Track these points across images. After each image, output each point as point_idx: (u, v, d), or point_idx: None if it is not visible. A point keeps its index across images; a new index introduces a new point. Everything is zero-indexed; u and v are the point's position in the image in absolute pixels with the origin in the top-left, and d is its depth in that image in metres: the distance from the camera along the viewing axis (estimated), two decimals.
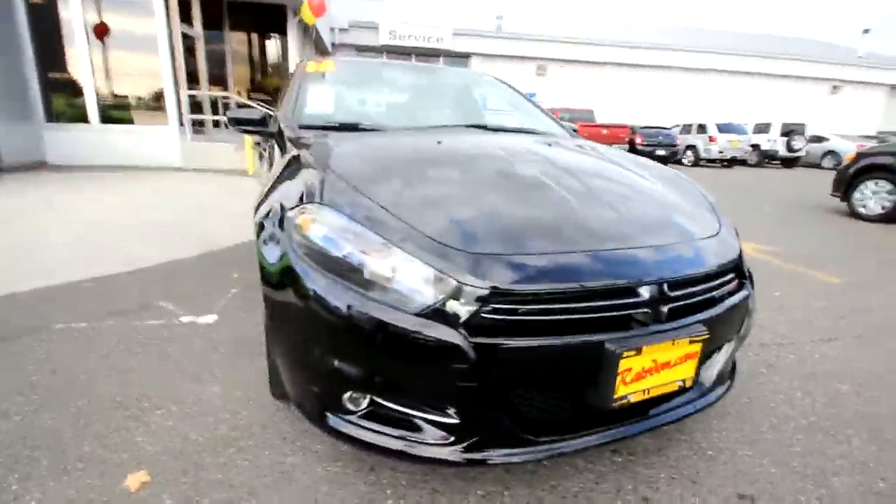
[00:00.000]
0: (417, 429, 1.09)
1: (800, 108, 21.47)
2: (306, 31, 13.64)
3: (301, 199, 1.30)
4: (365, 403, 1.12)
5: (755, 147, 16.69)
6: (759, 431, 1.58)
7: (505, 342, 0.99)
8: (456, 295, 1.00)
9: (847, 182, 6.27)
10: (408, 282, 1.03)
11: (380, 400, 1.09)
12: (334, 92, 2.25)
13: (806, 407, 1.73)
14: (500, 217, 1.18)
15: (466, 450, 1.06)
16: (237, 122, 2.10)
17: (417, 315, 1.01)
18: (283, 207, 1.33)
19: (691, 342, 1.12)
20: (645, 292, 1.09)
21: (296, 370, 1.23)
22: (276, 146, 2.05)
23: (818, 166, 16.88)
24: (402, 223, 1.12)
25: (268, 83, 17.43)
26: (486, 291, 1.00)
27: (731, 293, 1.32)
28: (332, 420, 1.14)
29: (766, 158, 16.81)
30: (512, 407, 1.07)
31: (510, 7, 21.27)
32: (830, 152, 16.80)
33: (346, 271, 1.09)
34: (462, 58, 19.69)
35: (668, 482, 1.34)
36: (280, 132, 1.99)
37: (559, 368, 1.04)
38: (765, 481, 1.35)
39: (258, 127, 2.08)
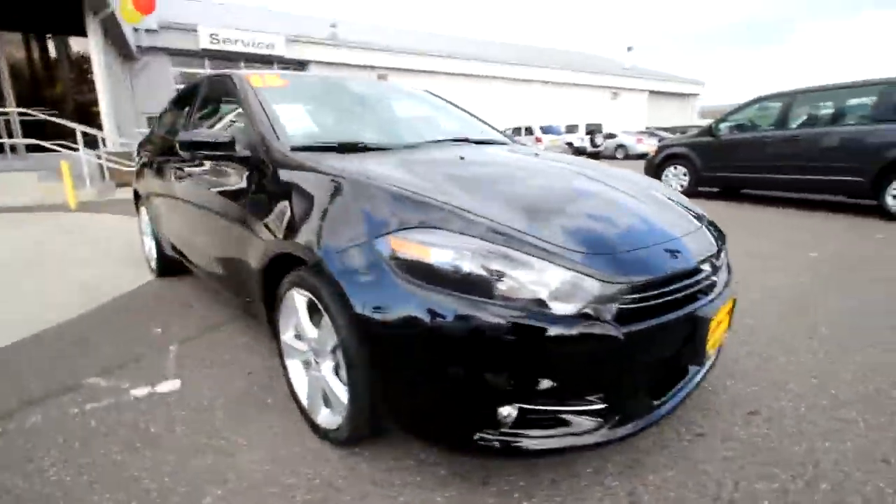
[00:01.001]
0: (565, 423, 1.18)
1: (592, 111, 26.18)
2: (107, 31, 11.49)
3: (384, 225, 1.24)
4: (515, 414, 1.15)
5: (570, 144, 19.97)
6: (727, 365, 2.04)
7: (642, 325, 1.14)
8: (602, 292, 1.12)
9: (655, 168, 8.01)
10: (556, 288, 1.11)
11: (530, 406, 1.14)
12: (304, 110, 2.07)
13: (742, 336, 2.29)
14: (595, 219, 1.32)
15: (614, 427, 1.19)
16: (196, 147, 1.80)
17: (572, 317, 1.10)
18: (365, 236, 1.25)
19: (731, 300, 1.44)
20: (707, 267, 1.36)
21: (432, 400, 1.19)
22: (246, 173, 1.82)
23: (613, 157, 20.91)
24: (523, 234, 1.18)
25: (56, 94, 14.17)
26: (625, 285, 1.14)
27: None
28: (484, 438, 1.15)
29: (578, 154, 20.22)
30: (641, 380, 1.24)
31: (344, 15, 21.10)
32: (620, 145, 20.95)
33: (485, 289, 1.11)
34: (298, 66, 18.86)
35: (703, 416, 1.67)
36: (258, 157, 1.77)
37: (674, 338, 1.24)
38: (752, 398, 1.78)
39: (225, 151, 1.81)
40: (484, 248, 1.14)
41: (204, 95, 2.53)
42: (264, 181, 1.70)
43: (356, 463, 1.46)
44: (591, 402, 1.17)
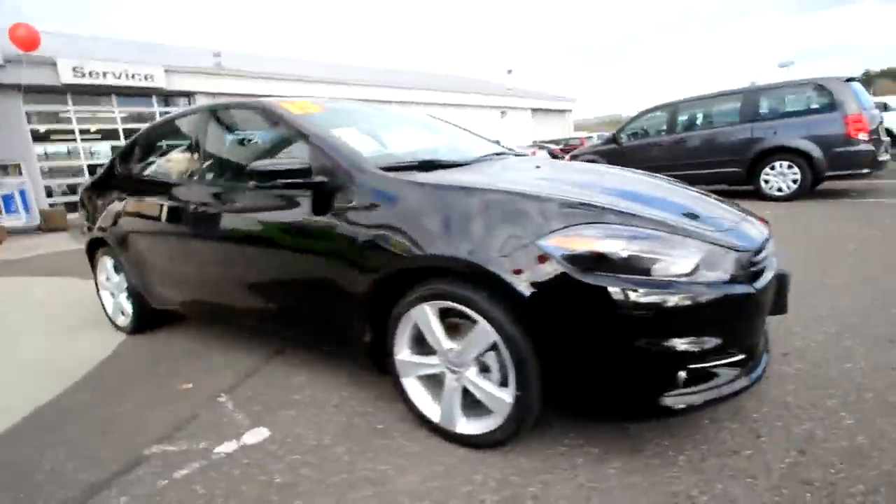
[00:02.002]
0: (716, 376, 1.39)
1: (485, 129, 27.94)
2: None
3: (545, 226, 1.36)
4: (685, 375, 1.33)
5: None
6: None
7: (761, 283, 1.41)
8: (738, 260, 1.37)
9: None
10: (709, 260, 1.32)
11: (697, 365, 1.34)
12: (361, 133, 2.07)
13: None
14: (693, 207, 1.58)
15: (748, 374, 1.43)
16: (272, 176, 1.72)
17: (726, 283, 1.33)
18: (528, 238, 1.36)
19: None
20: (771, 239, 1.70)
21: (617, 376, 1.32)
22: (326, 199, 1.78)
23: None
24: (663, 220, 1.39)
25: None
26: (748, 252, 1.40)
27: None
28: (668, 401, 1.32)
29: None
30: (760, 330, 1.50)
31: (225, 45, 20.05)
32: None
33: (648, 268, 1.29)
34: (181, 97, 17.44)
35: None
36: (340, 181, 1.76)
37: (772, 294, 1.53)
38: (777, 343, 2.18)
39: (304, 178, 1.76)
40: (647, 234, 1.33)
41: (214, 128, 2.37)
42: (362, 204, 1.69)
43: (515, 459, 1.52)
44: (734, 354, 1.40)
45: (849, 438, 1.50)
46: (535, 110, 32.34)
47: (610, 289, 1.27)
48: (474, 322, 1.48)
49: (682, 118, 7.48)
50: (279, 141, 2.12)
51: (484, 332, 1.44)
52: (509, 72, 30.44)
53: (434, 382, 1.71)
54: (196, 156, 2.36)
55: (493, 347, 1.45)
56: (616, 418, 1.53)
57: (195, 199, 2.26)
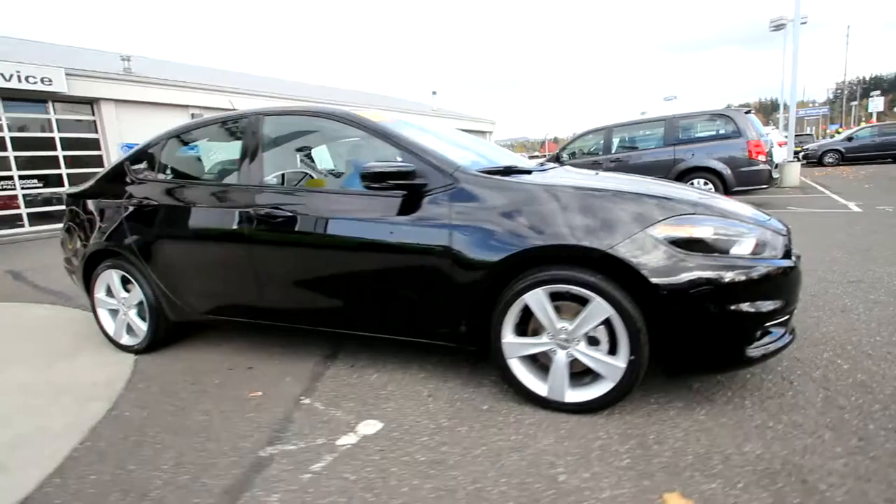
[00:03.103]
0: (770, 333, 1.78)
1: None
2: None
3: (651, 218, 1.68)
4: (760, 332, 1.71)
5: None
6: None
7: (794, 258, 1.84)
8: (784, 243, 1.79)
9: None
10: (770, 243, 1.73)
11: (769, 323, 1.71)
12: (437, 139, 2.24)
13: None
14: (743, 205, 1.99)
15: (790, 333, 1.84)
16: (382, 177, 1.85)
17: (782, 258, 1.73)
18: (640, 227, 1.67)
19: None
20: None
21: (716, 335, 1.66)
22: (422, 199, 1.95)
23: None
24: (729, 213, 1.77)
25: None
26: (785, 237, 1.84)
27: None
28: (751, 352, 1.68)
29: None
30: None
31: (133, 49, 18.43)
32: None
33: (726, 249, 1.66)
34: (82, 104, 15.69)
35: None
36: (442, 183, 1.94)
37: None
38: None
39: (409, 180, 1.91)
40: (728, 223, 1.70)
41: (273, 133, 2.38)
42: (469, 203, 1.87)
43: (623, 418, 1.79)
44: (782, 315, 1.80)
45: (852, 377, 1.99)
46: (460, 130, 33.69)
47: (708, 264, 1.61)
48: (583, 302, 1.74)
49: (615, 140, 8.45)
50: (353, 146, 2.23)
51: (600, 309, 1.70)
52: (434, 93, 31.44)
53: (531, 361, 1.93)
54: (254, 159, 2.34)
55: (605, 322, 1.72)
56: (712, 371, 1.88)
57: (261, 203, 2.25)
